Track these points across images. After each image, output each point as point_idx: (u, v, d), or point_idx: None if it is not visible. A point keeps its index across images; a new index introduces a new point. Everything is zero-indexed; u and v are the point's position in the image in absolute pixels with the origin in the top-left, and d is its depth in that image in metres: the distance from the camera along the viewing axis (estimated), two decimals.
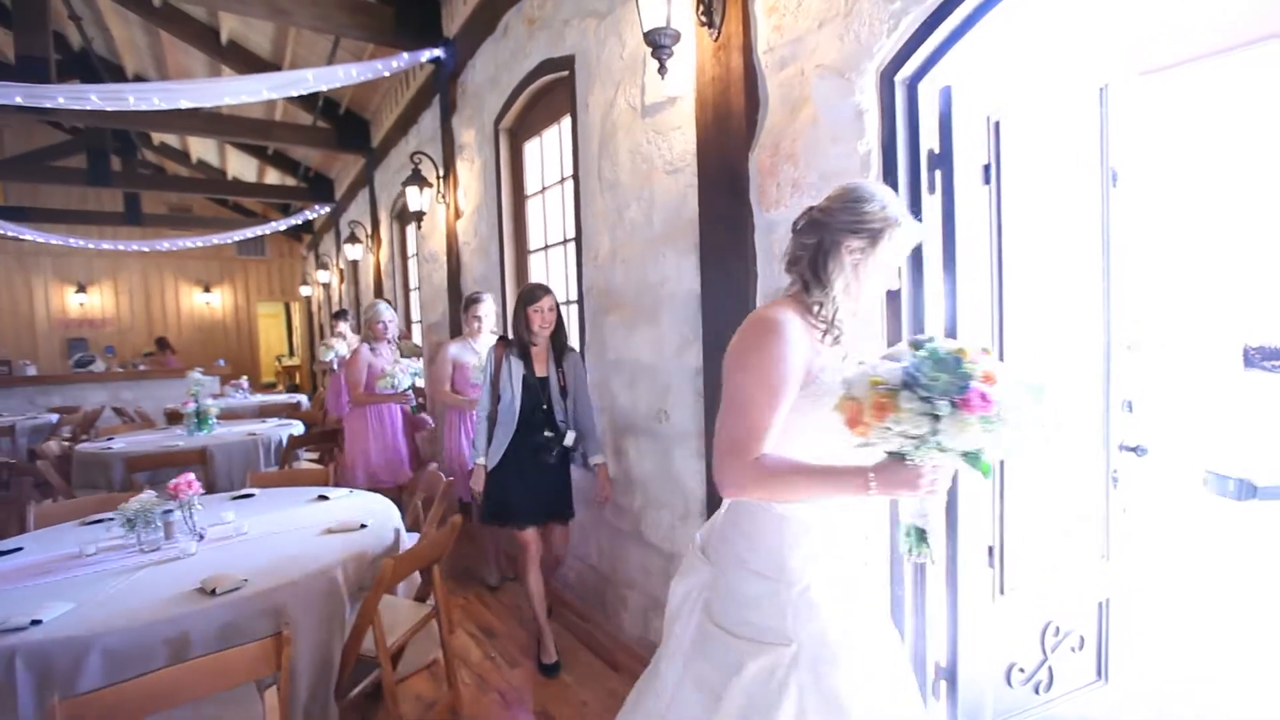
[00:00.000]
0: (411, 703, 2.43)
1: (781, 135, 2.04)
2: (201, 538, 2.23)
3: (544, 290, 2.69)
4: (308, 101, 6.94)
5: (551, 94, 3.58)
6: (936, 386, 1.01)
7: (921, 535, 1.22)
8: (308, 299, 12.62)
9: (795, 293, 1.32)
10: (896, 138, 1.77)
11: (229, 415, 5.78)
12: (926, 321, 1.77)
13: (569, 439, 2.66)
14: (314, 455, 5.14)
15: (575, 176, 3.21)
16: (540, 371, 2.70)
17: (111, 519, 2.21)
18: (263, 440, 4.49)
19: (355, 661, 1.97)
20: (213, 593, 1.75)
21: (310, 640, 1.87)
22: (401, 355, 4.28)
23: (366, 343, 4.04)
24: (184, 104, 3.98)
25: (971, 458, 1.05)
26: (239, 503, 2.70)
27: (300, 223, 9.97)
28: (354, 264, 8.39)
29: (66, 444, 4.66)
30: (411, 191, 4.83)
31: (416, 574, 2.38)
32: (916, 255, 1.76)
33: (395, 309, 5.62)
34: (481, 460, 2.69)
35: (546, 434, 2.62)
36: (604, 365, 3.03)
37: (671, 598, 1.44)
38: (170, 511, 2.22)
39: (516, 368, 2.66)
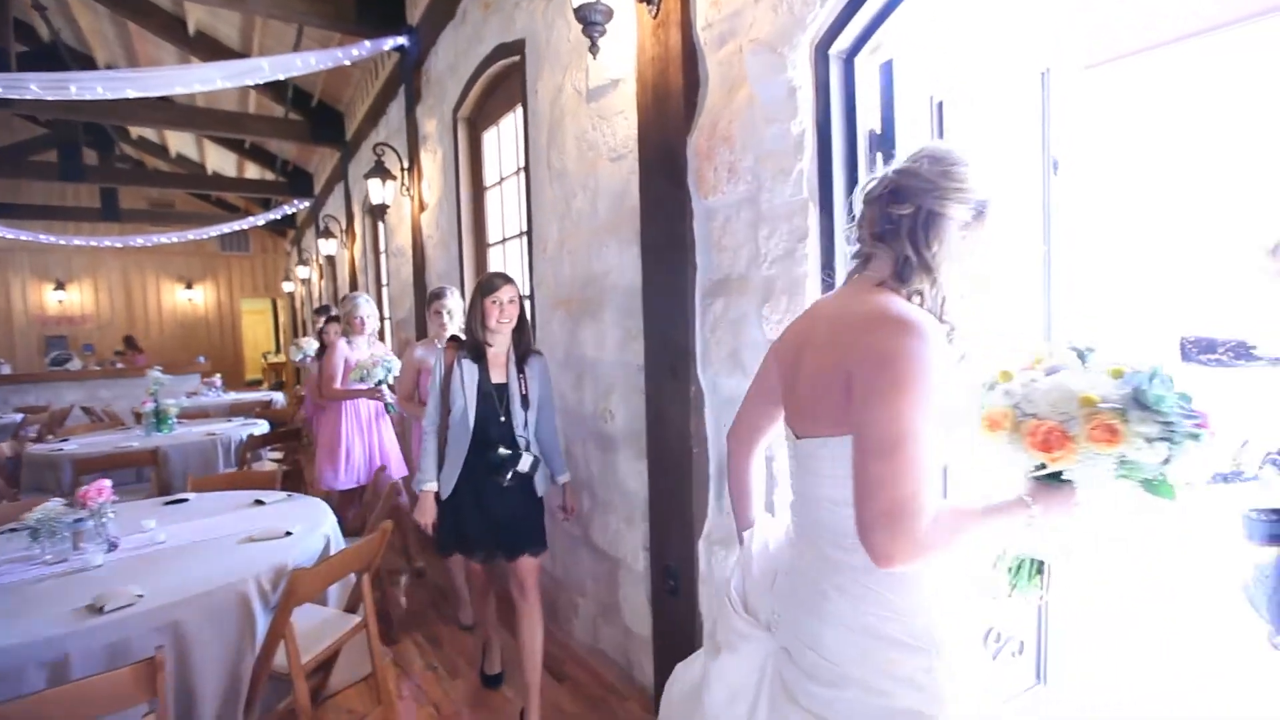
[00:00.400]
0: (342, 717, 2.31)
1: (719, 116, 1.92)
2: (114, 548, 2.11)
3: (504, 279, 2.26)
4: (278, 93, 6.80)
5: (507, 81, 3.44)
6: (1167, 405, 0.87)
7: (1040, 568, 1.05)
8: (290, 295, 12.49)
9: (885, 279, 1.02)
10: (832, 116, 1.64)
11: (200, 414, 5.68)
12: None
13: (524, 464, 2.20)
14: (278, 455, 5.02)
15: (526, 167, 3.08)
16: (498, 377, 2.27)
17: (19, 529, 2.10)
18: (222, 440, 4.38)
19: (267, 679, 1.85)
20: (101, 610, 1.63)
21: (214, 658, 1.75)
22: None
23: (345, 336, 3.86)
24: (130, 93, 3.84)
25: (1155, 484, 0.90)
26: (168, 508, 2.59)
27: (279, 218, 9.83)
28: (330, 259, 8.26)
29: (31, 444, 4.54)
30: (374, 184, 4.70)
31: (353, 579, 2.26)
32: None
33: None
34: (430, 486, 2.28)
35: (502, 451, 2.19)
36: (552, 363, 2.89)
37: (716, 675, 1.15)
38: (82, 520, 2.10)
39: (470, 373, 2.23)
